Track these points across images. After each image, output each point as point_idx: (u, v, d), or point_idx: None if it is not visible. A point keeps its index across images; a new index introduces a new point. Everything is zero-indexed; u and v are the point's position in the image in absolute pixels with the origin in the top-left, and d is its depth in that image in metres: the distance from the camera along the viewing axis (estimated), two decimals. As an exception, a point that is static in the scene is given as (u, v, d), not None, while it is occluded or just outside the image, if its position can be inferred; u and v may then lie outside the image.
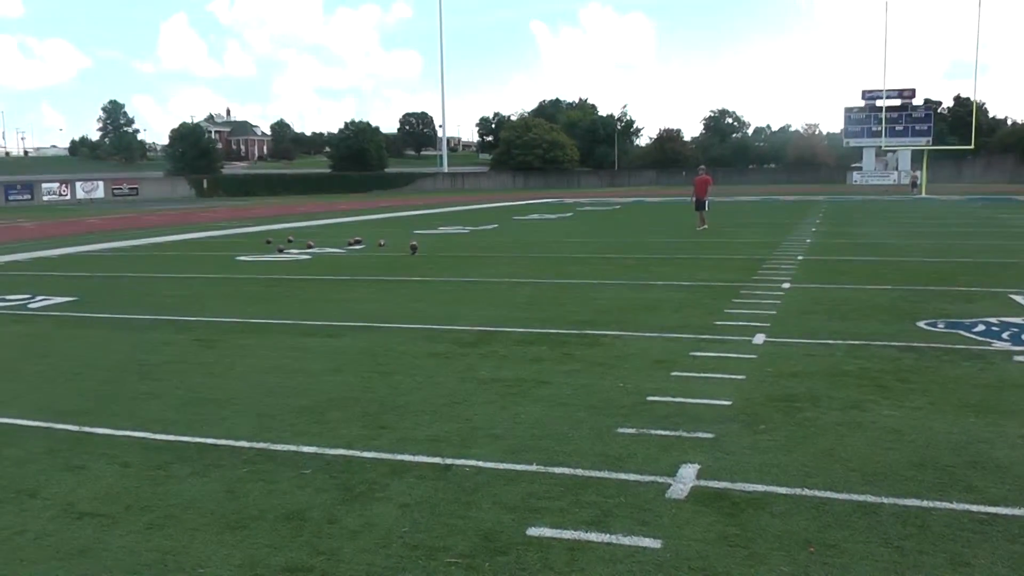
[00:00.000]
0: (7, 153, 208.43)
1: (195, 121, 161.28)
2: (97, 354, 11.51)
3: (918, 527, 5.41)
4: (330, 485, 6.38)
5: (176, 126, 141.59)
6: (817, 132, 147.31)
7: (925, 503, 5.77)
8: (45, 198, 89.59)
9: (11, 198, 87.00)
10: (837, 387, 8.83)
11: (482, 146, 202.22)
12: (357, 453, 7.09)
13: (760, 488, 6.07)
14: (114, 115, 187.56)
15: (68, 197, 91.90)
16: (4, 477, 6.82)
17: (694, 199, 33.06)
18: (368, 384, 9.40)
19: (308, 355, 11.04)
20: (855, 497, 5.89)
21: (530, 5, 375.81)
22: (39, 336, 13.11)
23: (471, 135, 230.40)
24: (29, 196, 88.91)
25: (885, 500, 5.82)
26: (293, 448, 7.27)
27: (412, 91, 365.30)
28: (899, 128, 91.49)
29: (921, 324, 12.16)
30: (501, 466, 6.68)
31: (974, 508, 5.69)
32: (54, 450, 7.46)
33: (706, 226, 31.70)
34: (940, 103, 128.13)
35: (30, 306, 15.97)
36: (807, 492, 5.99)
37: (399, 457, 6.96)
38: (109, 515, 5.95)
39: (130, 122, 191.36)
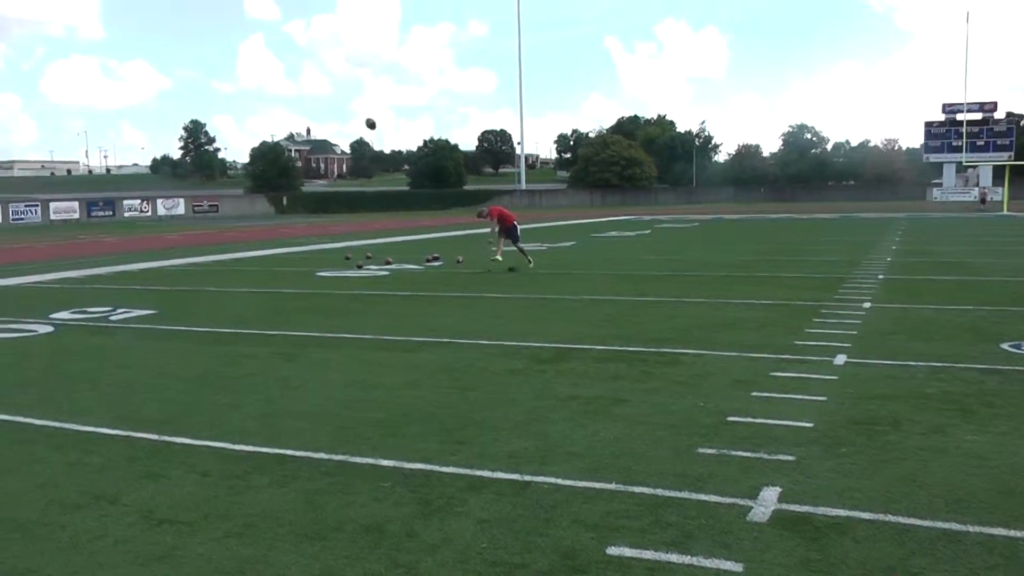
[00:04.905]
0: (90, 171, 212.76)
1: (275, 140, 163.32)
2: (177, 366, 11.67)
3: (1005, 557, 5.26)
4: (408, 499, 6.39)
5: (256, 145, 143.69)
6: (896, 147, 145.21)
7: (1012, 532, 5.60)
8: (126, 214, 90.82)
9: (93, 214, 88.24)
10: (920, 410, 8.65)
11: (560, 163, 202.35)
12: (435, 468, 7.09)
13: (842, 513, 5.96)
14: (195, 134, 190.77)
15: (149, 213, 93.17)
16: (85, 483, 6.94)
17: (504, 230, 26.33)
18: (446, 399, 9.42)
19: (386, 369, 11.10)
20: (939, 524, 5.74)
21: (604, 21, 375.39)
22: (120, 348, 13.33)
23: (549, 152, 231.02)
24: (111, 212, 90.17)
25: (970, 528, 5.67)
26: (371, 461, 7.29)
27: (488, 108, 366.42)
28: (980, 143, 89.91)
29: (1004, 346, 11.90)
30: (580, 484, 6.64)
31: (1064, 539, 5.52)
32: (134, 458, 7.57)
33: (499, 258, 26.46)
34: (1023, 117, 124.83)
35: (111, 318, 16.24)
36: (890, 518, 5.86)
37: (477, 473, 6.95)
38: (188, 522, 6.02)
39: (211, 140, 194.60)
